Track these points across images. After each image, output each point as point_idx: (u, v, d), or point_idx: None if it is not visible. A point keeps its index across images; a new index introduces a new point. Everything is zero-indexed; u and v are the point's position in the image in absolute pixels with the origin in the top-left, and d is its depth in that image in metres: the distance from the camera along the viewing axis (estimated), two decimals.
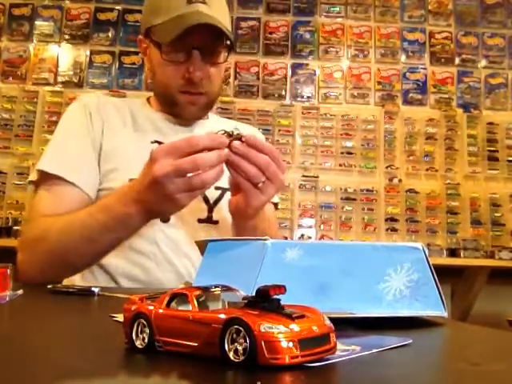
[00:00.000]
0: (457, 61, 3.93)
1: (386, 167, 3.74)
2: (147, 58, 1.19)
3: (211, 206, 1.13)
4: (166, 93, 1.15)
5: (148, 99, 1.26)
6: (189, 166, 0.77)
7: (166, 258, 1.06)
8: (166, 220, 1.08)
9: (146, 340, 0.39)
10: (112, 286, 1.02)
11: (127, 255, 1.05)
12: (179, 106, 1.15)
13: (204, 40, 1.09)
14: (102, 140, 1.12)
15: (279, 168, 0.86)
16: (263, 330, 0.34)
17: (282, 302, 0.38)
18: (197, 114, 1.18)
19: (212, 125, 1.20)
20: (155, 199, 0.82)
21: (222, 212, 1.10)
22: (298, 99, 3.85)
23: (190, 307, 0.39)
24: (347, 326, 0.52)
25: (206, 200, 1.13)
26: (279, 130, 3.75)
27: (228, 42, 1.14)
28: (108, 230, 0.90)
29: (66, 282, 1.06)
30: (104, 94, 3.25)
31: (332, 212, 3.68)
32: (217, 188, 1.13)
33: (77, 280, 1.06)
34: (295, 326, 0.35)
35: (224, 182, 0.91)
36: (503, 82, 3.91)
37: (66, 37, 3.83)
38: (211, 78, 1.13)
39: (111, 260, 1.03)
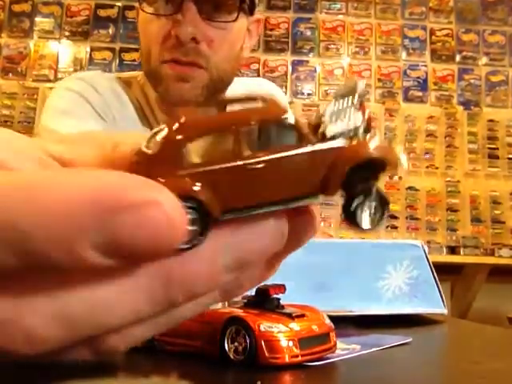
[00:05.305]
0: (457, 58, 3.92)
1: None
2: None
3: None
4: (149, 67, 0.80)
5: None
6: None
7: None
8: None
9: (146, 340, 0.39)
10: None
11: None
12: (164, 84, 0.79)
13: None
14: None
15: None
16: (263, 330, 0.34)
17: (282, 301, 0.38)
18: (191, 97, 0.78)
19: None
20: None
21: None
22: (299, 96, 3.84)
23: None
24: (347, 324, 0.52)
25: None
26: None
27: None
28: None
29: None
30: None
31: (332, 209, 3.68)
32: None
33: None
34: (295, 325, 0.35)
35: None
36: (504, 80, 3.90)
37: (67, 33, 3.82)
38: (214, 42, 0.78)
39: None
